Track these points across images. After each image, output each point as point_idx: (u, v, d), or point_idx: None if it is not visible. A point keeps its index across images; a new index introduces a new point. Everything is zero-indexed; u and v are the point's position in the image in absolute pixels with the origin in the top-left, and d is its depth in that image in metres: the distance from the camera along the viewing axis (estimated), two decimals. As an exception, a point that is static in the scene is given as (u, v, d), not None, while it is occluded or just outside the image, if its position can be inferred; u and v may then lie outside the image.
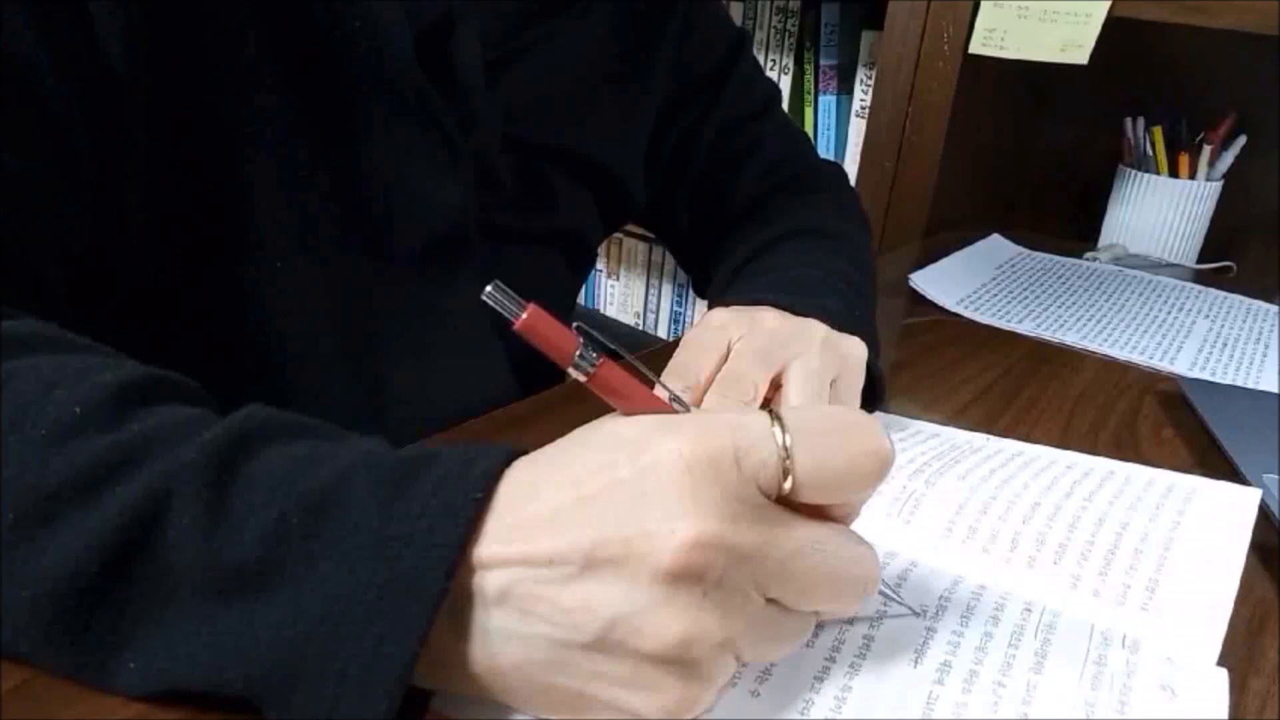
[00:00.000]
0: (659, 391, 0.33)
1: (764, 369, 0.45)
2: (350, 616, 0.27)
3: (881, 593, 0.37)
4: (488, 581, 0.28)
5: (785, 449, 0.29)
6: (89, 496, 0.29)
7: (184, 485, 0.29)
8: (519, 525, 0.28)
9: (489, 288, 0.32)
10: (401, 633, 0.27)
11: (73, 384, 0.31)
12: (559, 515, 0.28)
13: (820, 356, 0.46)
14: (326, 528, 0.28)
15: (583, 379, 0.32)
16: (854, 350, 0.49)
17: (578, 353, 0.32)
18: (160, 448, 0.30)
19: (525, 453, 0.31)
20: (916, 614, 0.37)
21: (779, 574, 0.29)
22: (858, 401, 0.50)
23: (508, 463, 0.30)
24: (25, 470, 0.29)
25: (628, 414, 0.32)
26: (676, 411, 0.33)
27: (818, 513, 0.30)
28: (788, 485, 0.29)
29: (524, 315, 0.32)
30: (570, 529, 0.28)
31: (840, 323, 0.51)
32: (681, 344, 0.49)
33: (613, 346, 0.33)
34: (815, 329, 0.48)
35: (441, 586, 0.27)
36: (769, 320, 0.48)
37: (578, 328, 0.32)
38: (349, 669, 0.27)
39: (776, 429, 0.29)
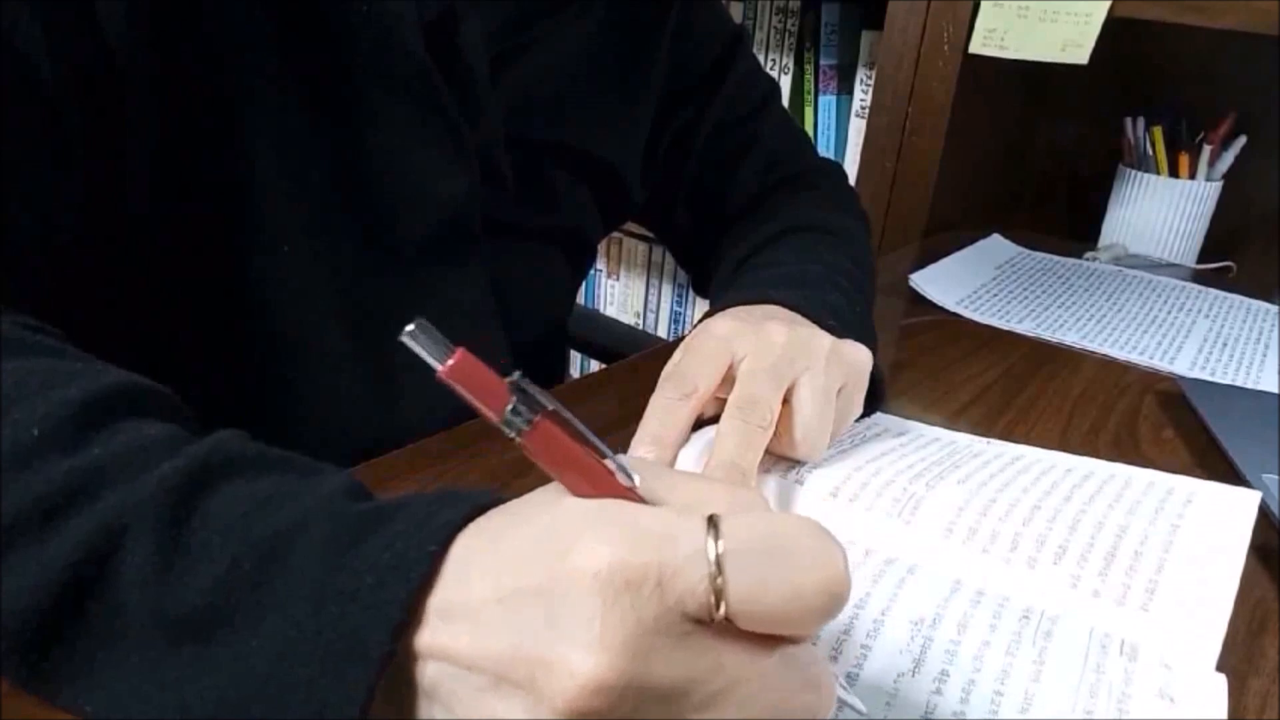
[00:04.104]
0: (607, 461, 0.29)
1: (776, 389, 0.45)
2: (293, 677, 0.26)
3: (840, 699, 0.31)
4: (423, 672, 0.27)
5: (718, 569, 0.25)
6: (44, 528, 0.28)
7: (139, 520, 0.28)
8: (447, 612, 0.26)
9: (411, 326, 0.27)
10: (343, 699, 0.25)
11: (34, 400, 0.30)
12: (481, 613, 0.26)
13: (827, 371, 0.46)
14: (276, 577, 0.27)
15: (515, 438, 0.28)
16: (859, 358, 0.49)
17: (509, 408, 0.27)
18: (119, 476, 0.29)
19: (496, 502, 0.29)
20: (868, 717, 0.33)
21: (705, 710, 0.25)
22: (860, 408, 0.50)
23: (468, 520, 0.28)
24: None
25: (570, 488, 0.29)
26: (622, 489, 0.28)
27: (767, 640, 0.26)
28: (721, 612, 0.25)
29: (451, 360, 0.27)
30: (488, 636, 0.26)
31: (843, 319, 0.51)
32: (682, 347, 0.49)
33: (552, 405, 0.28)
34: (821, 340, 0.47)
35: (387, 649, 0.25)
36: (775, 334, 0.47)
37: (512, 382, 0.28)
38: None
39: (710, 544, 0.25)
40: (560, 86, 0.60)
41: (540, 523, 0.27)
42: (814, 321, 0.50)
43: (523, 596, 0.25)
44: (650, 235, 0.80)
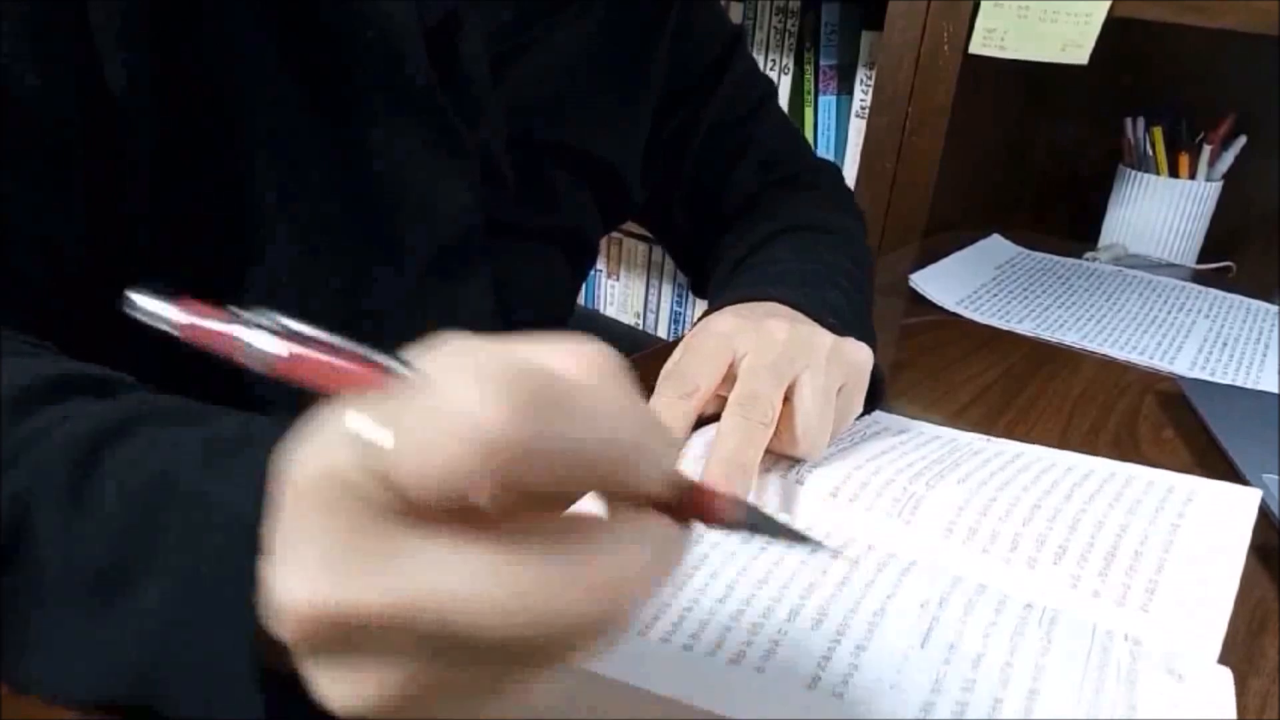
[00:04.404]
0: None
1: (777, 386, 0.45)
2: (199, 614, 0.26)
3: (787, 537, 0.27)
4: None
5: (373, 446, 0.20)
6: None
7: (44, 486, 0.28)
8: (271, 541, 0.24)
9: (130, 295, 0.24)
10: (238, 624, 0.25)
11: None
12: (276, 540, 0.24)
13: (828, 369, 0.46)
14: (163, 517, 0.27)
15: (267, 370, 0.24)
16: (860, 357, 0.49)
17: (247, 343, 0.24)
18: (32, 447, 0.29)
19: None
20: (833, 551, 0.39)
21: (445, 630, 0.21)
22: (860, 407, 0.50)
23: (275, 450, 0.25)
24: None
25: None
26: (370, 378, 0.23)
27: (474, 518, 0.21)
28: (406, 494, 0.20)
29: (185, 318, 0.24)
30: (277, 563, 0.23)
31: (843, 318, 0.51)
32: (682, 346, 0.48)
33: (297, 326, 0.24)
34: (822, 338, 0.48)
35: (251, 566, 0.24)
36: (776, 331, 0.47)
37: (235, 312, 0.24)
38: (212, 667, 0.26)
39: (360, 421, 0.21)
40: (560, 87, 0.59)
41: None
42: (815, 320, 0.50)
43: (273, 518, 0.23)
44: (650, 235, 0.80)
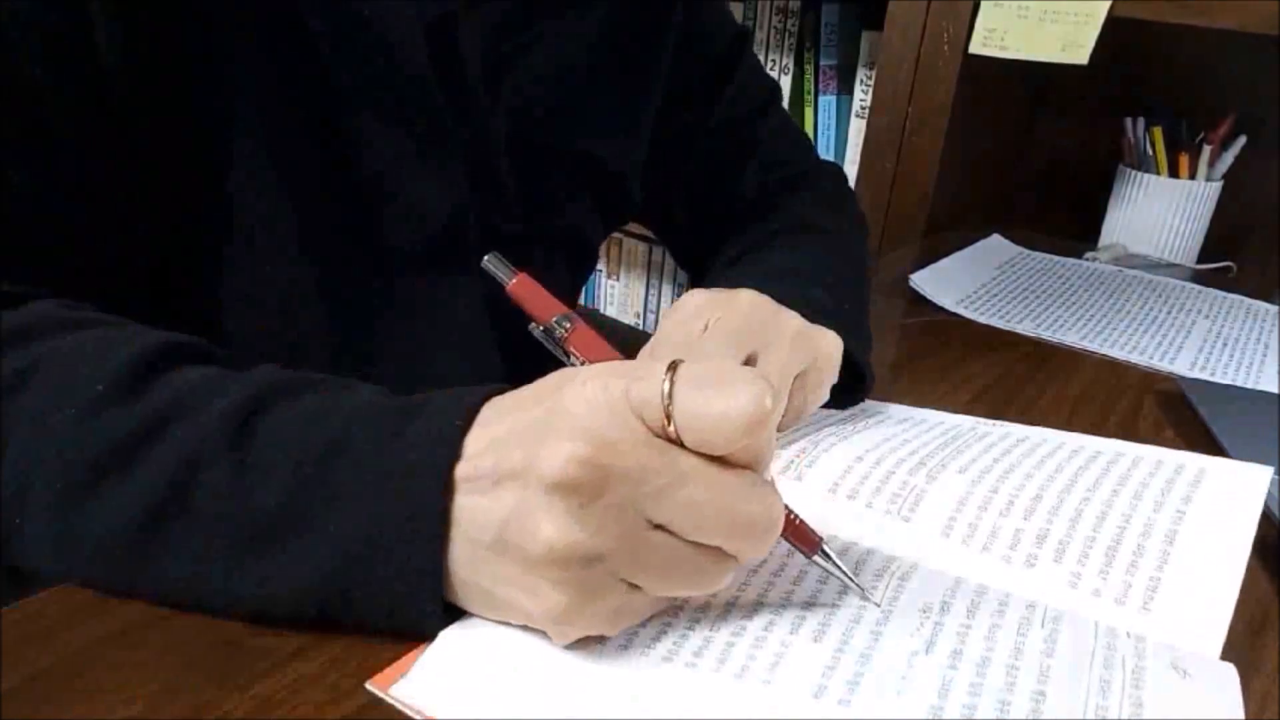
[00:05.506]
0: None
1: (733, 351, 0.45)
2: (378, 546, 0.33)
3: (843, 578, 0.38)
4: (456, 510, 0.33)
5: (668, 395, 0.31)
6: (124, 467, 0.33)
7: (210, 450, 0.33)
8: (471, 454, 0.33)
9: (487, 256, 0.42)
10: (423, 552, 0.33)
11: (95, 362, 0.35)
12: (494, 442, 0.33)
13: (790, 350, 0.46)
14: (341, 473, 0.33)
15: (563, 334, 0.42)
16: (827, 345, 0.49)
17: (556, 318, 0.42)
18: (183, 414, 0.34)
19: (501, 391, 0.35)
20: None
21: (660, 498, 0.31)
22: (825, 396, 0.50)
23: (485, 400, 0.35)
24: (69, 443, 0.34)
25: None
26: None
27: (719, 460, 0.32)
28: (671, 428, 0.31)
29: (515, 280, 0.42)
30: (495, 452, 0.33)
31: (823, 314, 0.51)
32: (655, 337, 0.49)
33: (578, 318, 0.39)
34: (790, 320, 0.47)
35: (443, 504, 0.33)
36: (744, 304, 0.47)
37: (566, 299, 0.41)
38: (394, 586, 0.33)
39: (667, 377, 0.32)
40: (561, 88, 0.59)
41: (551, 378, 0.34)
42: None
43: (527, 421, 0.33)
44: (650, 235, 0.80)
